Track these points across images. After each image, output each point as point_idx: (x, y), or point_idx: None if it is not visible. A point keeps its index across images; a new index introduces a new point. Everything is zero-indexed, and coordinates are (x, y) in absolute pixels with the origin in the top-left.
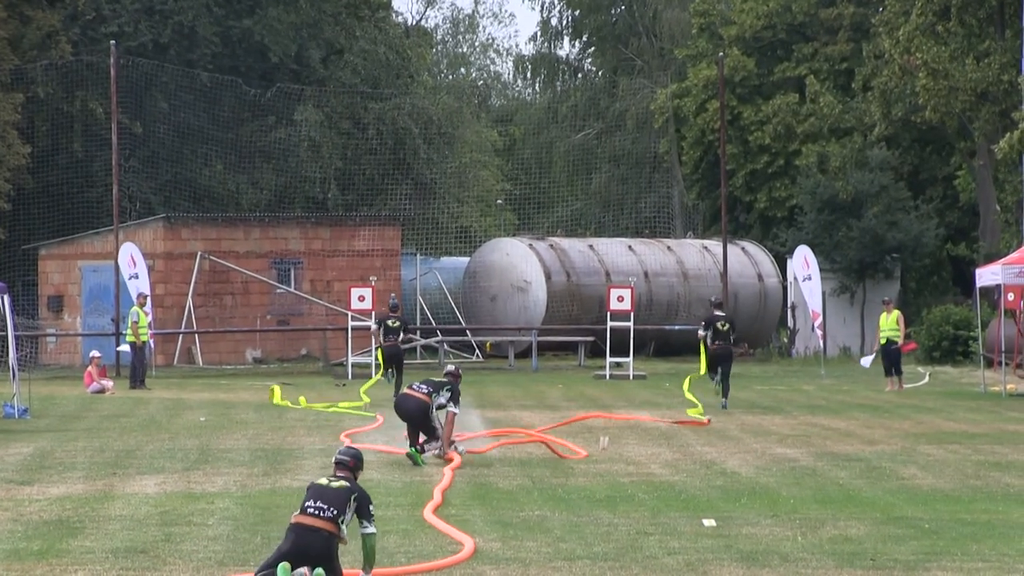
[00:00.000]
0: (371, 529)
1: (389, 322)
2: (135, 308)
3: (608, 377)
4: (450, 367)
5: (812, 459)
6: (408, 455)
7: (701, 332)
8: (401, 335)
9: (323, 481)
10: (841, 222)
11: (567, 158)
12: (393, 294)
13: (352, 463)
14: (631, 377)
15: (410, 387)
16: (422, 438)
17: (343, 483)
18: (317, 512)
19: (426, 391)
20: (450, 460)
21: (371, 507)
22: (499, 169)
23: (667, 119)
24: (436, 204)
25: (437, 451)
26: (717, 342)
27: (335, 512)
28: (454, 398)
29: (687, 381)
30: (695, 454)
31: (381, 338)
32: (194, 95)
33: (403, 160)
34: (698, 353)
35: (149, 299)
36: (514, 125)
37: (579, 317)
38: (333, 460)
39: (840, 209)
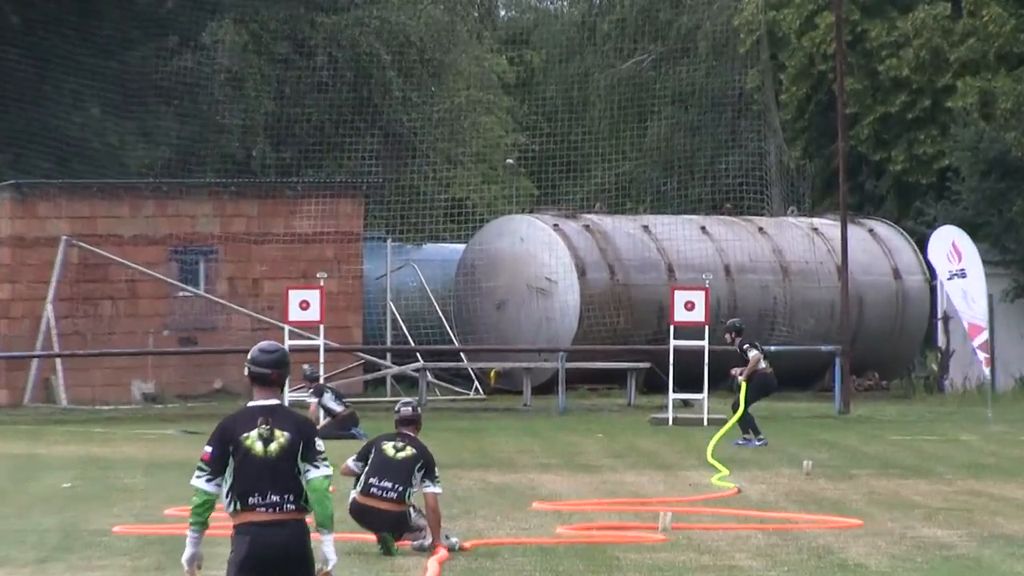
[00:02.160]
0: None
1: (327, 397)
2: None
3: (671, 422)
4: (404, 408)
5: (975, 544)
6: (379, 538)
7: (752, 353)
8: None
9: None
10: (1015, 192)
11: (610, 98)
12: (308, 365)
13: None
14: (705, 422)
15: (368, 492)
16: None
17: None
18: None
19: (395, 495)
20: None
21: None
22: (509, 114)
23: (758, 40)
24: (416, 165)
25: (422, 541)
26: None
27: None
28: (429, 473)
29: (714, 441)
30: (800, 538)
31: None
32: (59, 5)
33: (368, 101)
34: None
35: None
36: (532, 49)
37: (628, 333)
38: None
39: (1014, 172)
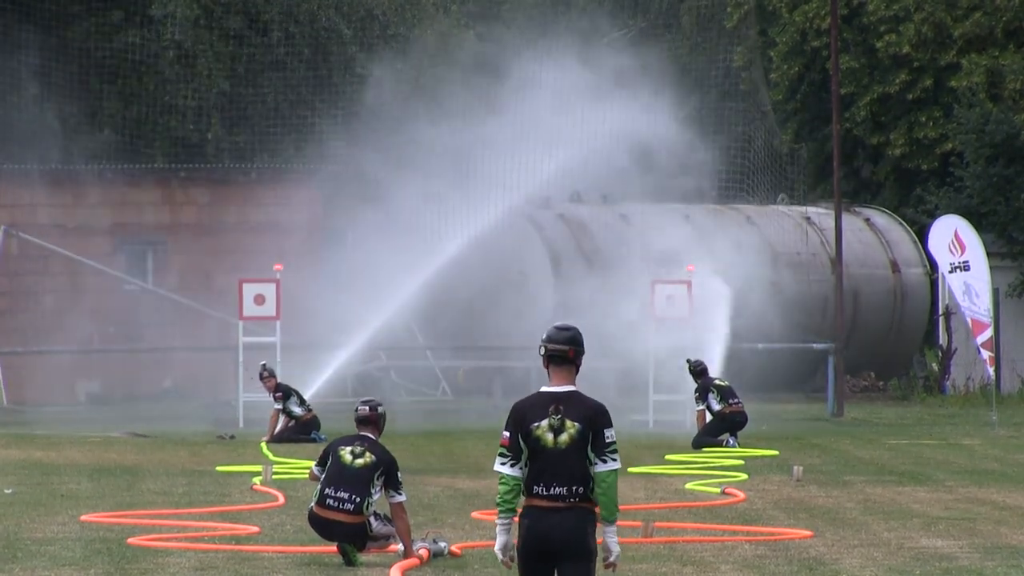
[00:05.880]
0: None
1: (292, 400)
2: None
3: (652, 424)
4: (362, 407)
5: (978, 556)
6: (340, 548)
7: (700, 406)
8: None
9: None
10: (1023, 178)
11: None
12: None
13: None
14: (689, 423)
15: (324, 504)
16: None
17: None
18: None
19: (352, 506)
20: (422, 558)
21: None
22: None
23: (746, 14)
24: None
25: (396, 549)
26: (732, 402)
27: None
28: (391, 481)
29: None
30: (791, 548)
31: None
32: None
33: (327, 79)
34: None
35: None
36: (502, 24)
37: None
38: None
39: (1023, 157)
